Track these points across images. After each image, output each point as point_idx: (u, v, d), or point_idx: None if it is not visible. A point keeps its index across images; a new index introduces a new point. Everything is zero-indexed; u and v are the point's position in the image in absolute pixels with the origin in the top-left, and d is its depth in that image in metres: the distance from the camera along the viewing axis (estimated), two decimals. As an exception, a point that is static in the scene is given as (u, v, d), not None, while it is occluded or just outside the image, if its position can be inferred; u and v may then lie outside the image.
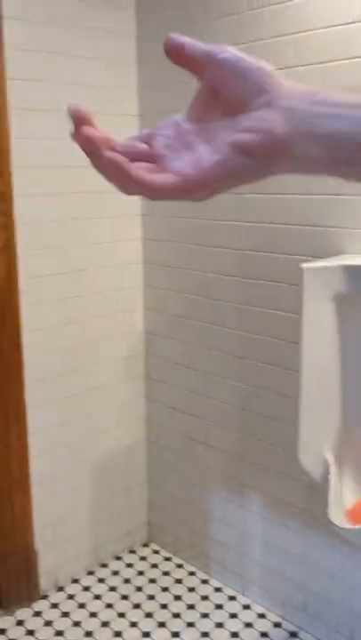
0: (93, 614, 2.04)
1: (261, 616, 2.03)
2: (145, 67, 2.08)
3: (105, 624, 2.00)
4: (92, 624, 2.00)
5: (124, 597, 2.12)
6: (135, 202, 2.18)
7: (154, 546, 2.39)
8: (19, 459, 1.98)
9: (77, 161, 2.00)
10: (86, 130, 0.41)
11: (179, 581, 2.20)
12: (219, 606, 2.08)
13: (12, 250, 1.88)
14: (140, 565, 2.29)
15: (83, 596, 2.12)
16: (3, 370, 1.91)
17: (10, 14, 1.79)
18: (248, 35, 1.78)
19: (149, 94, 2.08)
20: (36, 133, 1.90)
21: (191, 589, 2.16)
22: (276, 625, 1.99)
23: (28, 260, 1.94)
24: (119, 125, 2.08)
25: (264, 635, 1.95)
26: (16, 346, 1.93)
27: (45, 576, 2.13)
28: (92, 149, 0.42)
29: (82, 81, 1.97)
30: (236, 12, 1.80)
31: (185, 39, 0.44)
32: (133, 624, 1.99)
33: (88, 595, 2.13)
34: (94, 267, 2.11)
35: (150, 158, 0.44)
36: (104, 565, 2.28)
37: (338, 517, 1.40)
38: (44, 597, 2.11)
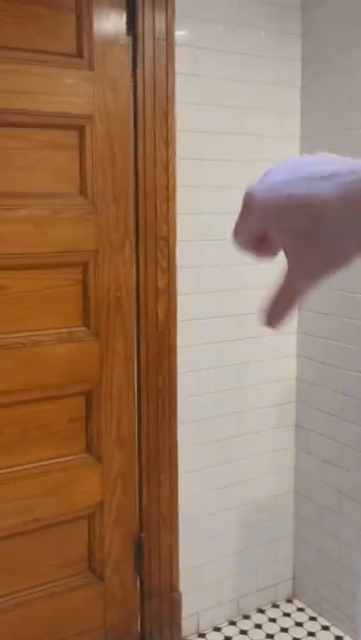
0: (234, 667, 1.99)
1: None
2: (308, 117, 2.10)
3: None
4: None
5: (267, 653, 2.05)
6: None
7: (298, 602, 2.30)
8: (168, 498, 2.01)
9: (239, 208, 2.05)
10: None
11: (324, 644, 2.09)
12: None
13: (172, 293, 1.94)
14: (284, 622, 2.20)
15: (224, 647, 2.08)
16: (158, 410, 1.96)
17: (181, 70, 1.89)
18: None
19: (310, 143, 2.09)
20: (202, 180, 1.97)
21: (338, 655, 2.04)
22: None
23: (185, 304, 1.99)
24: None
25: None
26: (171, 387, 1.97)
27: (188, 620, 2.12)
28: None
29: (247, 130, 2.03)
30: None
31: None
32: None
33: (229, 645, 2.09)
34: (249, 312, 2.12)
35: None
36: (246, 617, 2.22)
37: None
38: (186, 642, 2.10)
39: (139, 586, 2.03)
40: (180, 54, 1.88)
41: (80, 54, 1.74)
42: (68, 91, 1.72)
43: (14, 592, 1.82)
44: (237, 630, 2.16)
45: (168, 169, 1.88)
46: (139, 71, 1.82)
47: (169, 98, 1.86)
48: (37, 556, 1.85)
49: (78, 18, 1.73)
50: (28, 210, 1.70)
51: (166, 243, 1.91)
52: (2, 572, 1.80)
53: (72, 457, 1.86)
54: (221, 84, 1.97)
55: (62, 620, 1.90)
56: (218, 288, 2.05)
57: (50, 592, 1.87)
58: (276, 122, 2.08)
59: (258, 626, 2.18)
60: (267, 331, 2.15)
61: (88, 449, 1.89)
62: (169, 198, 1.90)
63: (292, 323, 2.21)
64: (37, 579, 1.86)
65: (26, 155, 1.70)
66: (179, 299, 1.97)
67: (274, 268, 2.25)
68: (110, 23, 1.77)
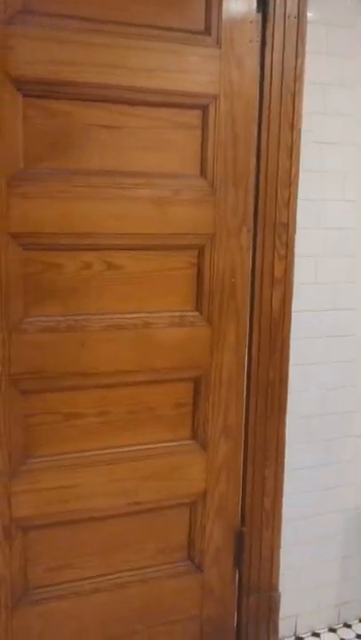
0: None
1: None
2: None
3: None
4: None
5: (368, 667, 1.95)
6: None
7: None
8: (273, 494, 1.94)
9: (365, 195, 1.95)
10: None
11: None
12: None
13: (288, 282, 1.87)
14: (388, 636, 2.09)
15: (322, 654, 2.00)
16: (267, 402, 1.89)
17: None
18: None
19: None
20: (324, 167, 1.88)
21: None
22: None
23: (300, 294, 1.91)
24: None
25: None
26: (282, 379, 1.90)
27: (285, 621, 2.05)
28: None
29: (376, 115, 1.92)
30: None
31: None
32: None
33: (328, 653, 2.00)
34: (369, 306, 2.01)
35: None
36: (348, 625, 2.12)
37: None
38: (283, 644, 2.03)
39: (237, 580, 1.98)
40: (310, 32, 1.80)
41: (208, 32, 1.69)
42: (194, 68, 1.68)
43: (114, 572, 1.82)
44: (337, 638, 2.06)
45: (292, 152, 1.80)
46: (267, 50, 1.75)
47: (297, 78, 1.78)
48: (138, 539, 1.84)
49: (208, -6, 1.69)
50: (147, 189, 1.68)
51: (285, 229, 1.84)
52: (103, 551, 1.80)
53: (177, 442, 1.83)
54: (353, 64, 1.87)
55: (159, 605, 1.88)
56: (336, 279, 1.96)
57: (148, 576, 1.86)
58: None
59: (359, 636, 2.07)
60: (387, 327, 2.04)
61: (194, 436, 1.85)
62: (291, 183, 1.82)
63: None
64: (137, 562, 1.85)
65: (148, 134, 1.67)
66: (294, 288, 1.90)
67: None
68: (240, 0, 1.71)
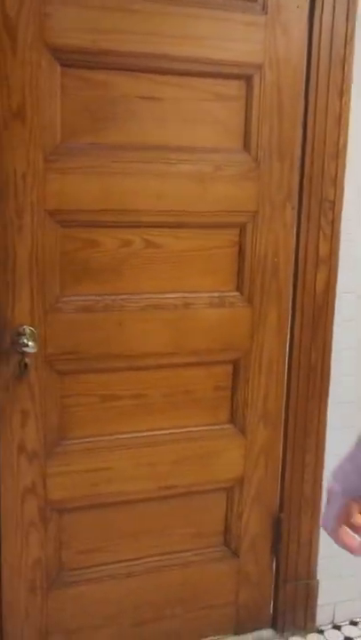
0: (371, 667, 1.86)
1: None
2: None
3: None
4: None
5: None
6: None
7: None
8: (312, 480, 1.88)
9: None
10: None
11: None
12: None
13: (333, 263, 1.79)
14: None
15: (360, 643, 1.95)
16: (308, 387, 1.83)
17: None
18: None
19: None
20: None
21: None
22: None
23: (345, 275, 1.83)
24: None
25: None
26: (324, 364, 1.83)
27: (323, 609, 2.00)
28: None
29: None
30: None
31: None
32: None
33: (366, 643, 1.95)
34: None
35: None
36: (386, 615, 2.07)
37: None
38: (320, 632, 1.98)
39: (274, 568, 1.94)
40: (363, -4, 1.69)
41: (254, -4, 1.60)
42: (238, 36, 1.59)
43: (148, 556, 1.79)
44: (376, 628, 2.01)
45: (340, 122, 1.71)
46: (316, 15, 1.65)
47: (347, 43, 1.68)
48: (173, 524, 1.80)
49: None
50: (188, 164, 1.61)
51: (332, 206, 1.75)
52: (138, 535, 1.77)
53: (215, 427, 1.78)
54: None
55: (193, 590, 1.85)
56: (383, 259, 1.87)
57: (182, 561, 1.83)
58: None
59: None
60: None
61: (232, 420, 1.80)
62: (339, 155, 1.73)
63: None
64: (171, 546, 1.81)
65: (189, 105, 1.60)
66: (340, 269, 1.81)
67: None
68: None
